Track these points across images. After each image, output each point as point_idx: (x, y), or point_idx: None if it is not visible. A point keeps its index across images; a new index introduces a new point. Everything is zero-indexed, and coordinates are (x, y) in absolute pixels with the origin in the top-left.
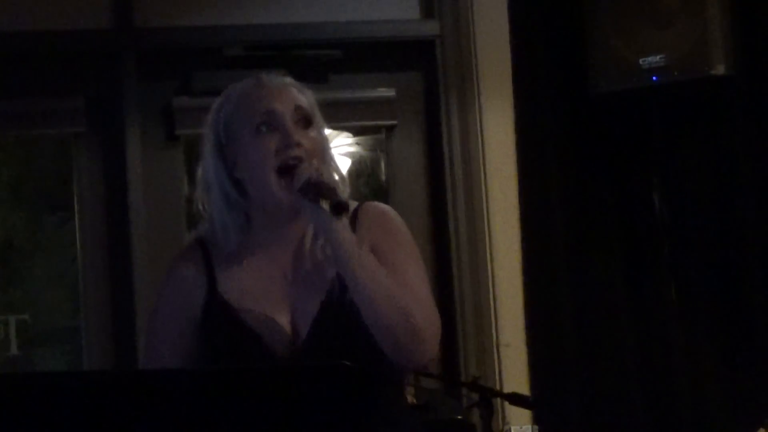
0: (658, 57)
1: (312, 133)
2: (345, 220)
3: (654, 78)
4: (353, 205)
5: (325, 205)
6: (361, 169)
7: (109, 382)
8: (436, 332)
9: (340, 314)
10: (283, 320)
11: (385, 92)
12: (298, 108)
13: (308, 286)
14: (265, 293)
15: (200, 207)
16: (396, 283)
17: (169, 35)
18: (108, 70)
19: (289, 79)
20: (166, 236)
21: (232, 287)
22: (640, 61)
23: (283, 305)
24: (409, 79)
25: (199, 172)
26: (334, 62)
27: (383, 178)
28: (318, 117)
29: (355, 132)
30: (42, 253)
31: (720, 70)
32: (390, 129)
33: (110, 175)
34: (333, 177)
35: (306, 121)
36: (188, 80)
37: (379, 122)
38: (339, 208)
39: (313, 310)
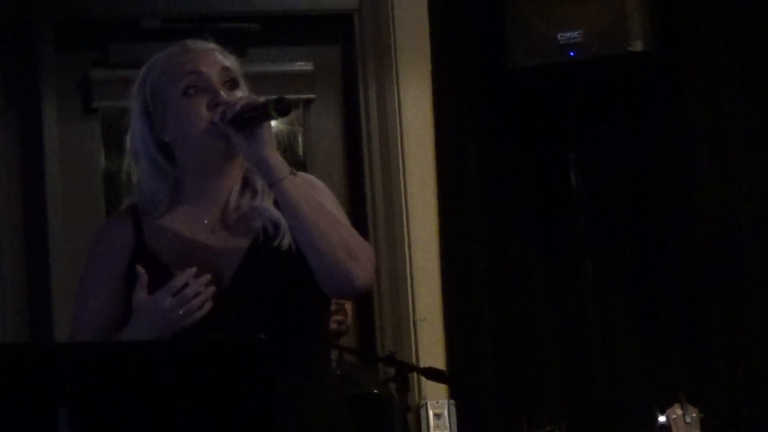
0: (575, 32)
1: (239, 94)
2: (274, 144)
3: (571, 53)
4: None
5: (265, 119)
6: (277, 143)
7: (21, 355)
8: (372, 258)
9: (265, 260)
10: (209, 268)
11: (303, 66)
12: (224, 69)
13: (235, 235)
14: (192, 245)
15: (131, 177)
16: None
17: (86, 6)
18: (24, 41)
19: (213, 44)
20: (82, 208)
21: (159, 244)
22: (558, 36)
23: (208, 255)
24: (327, 52)
25: (127, 141)
26: (251, 35)
27: (300, 152)
28: (242, 81)
29: None
30: None
31: (637, 46)
32: (308, 103)
33: (26, 147)
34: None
35: (233, 82)
36: (105, 52)
37: (297, 96)
38: (283, 104)
39: (238, 256)
